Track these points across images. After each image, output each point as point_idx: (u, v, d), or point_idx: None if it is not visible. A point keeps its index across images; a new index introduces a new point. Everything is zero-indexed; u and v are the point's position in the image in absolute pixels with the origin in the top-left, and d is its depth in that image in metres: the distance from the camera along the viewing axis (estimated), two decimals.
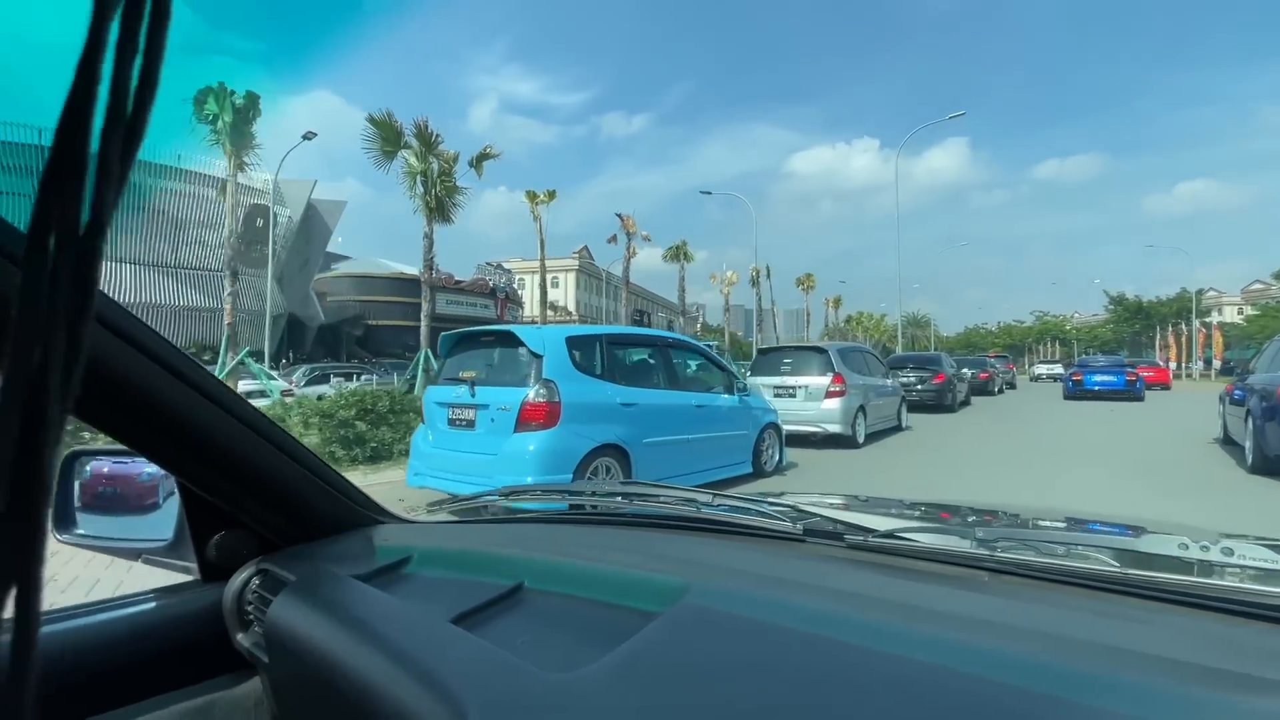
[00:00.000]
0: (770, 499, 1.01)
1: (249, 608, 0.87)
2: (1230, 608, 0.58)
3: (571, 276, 57.42)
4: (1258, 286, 65.26)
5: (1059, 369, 37.49)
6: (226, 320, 14.44)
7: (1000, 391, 21.61)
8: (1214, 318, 55.54)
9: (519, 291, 45.37)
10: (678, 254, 41.16)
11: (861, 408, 8.67)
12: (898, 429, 10.21)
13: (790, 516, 0.89)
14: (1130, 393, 17.16)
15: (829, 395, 8.36)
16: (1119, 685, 0.45)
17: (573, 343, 4.69)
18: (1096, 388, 17.43)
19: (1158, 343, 48.89)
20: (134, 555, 1.04)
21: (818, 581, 0.69)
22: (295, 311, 29.17)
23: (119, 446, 0.87)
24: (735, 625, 0.60)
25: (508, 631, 0.67)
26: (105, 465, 1.10)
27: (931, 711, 0.44)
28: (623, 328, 5.85)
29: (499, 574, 0.79)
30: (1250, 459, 6.14)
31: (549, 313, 54.04)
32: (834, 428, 8.30)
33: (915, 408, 12.51)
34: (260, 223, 24.24)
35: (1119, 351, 50.46)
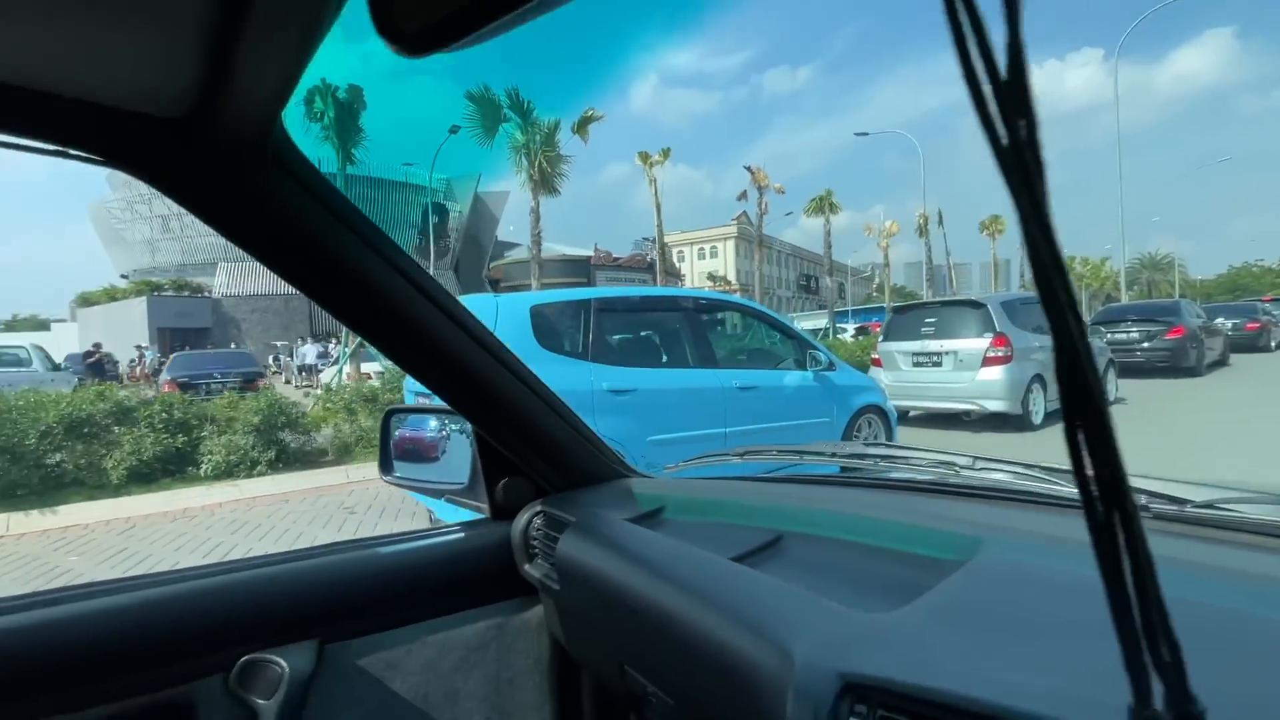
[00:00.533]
0: (1043, 465, 0.90)
1: (534, 543, 1.00)
2: None
3: (730, 244, 55.94)
4: None
5: None
6: None
7: (1277, 347, 16.22)
8: None
9: (678, 264, 45.45)
10: (821, 207, 37.32)
11: (1039, 377, 6.64)
12: None
13: (1069, 483, 0.77)
14: None
15: (988, 362, 6.47)
16: None
17: (539, 313, 3.68)
18: None
19: None
20: (439, 494, 1.22)
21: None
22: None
23: (423, 405, 1.35)
24: (1049, 580, 0.57)
25: (781, 576, 0.67)
26: (413, 421, 1.41)
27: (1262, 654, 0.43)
28: (621, 290, 4.92)
29: (755, 522, 0.84)
30: None
31: (708, 283, 53.40)
32: (996, 404, 6.52)
33: (1142, 371, 10.18)
34: (437, 219, 26.83)
35: None
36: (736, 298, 6.02)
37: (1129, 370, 9.74)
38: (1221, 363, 12.47)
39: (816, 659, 0.51)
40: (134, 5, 0.43)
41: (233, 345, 22.72)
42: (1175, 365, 10.49)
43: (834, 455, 1.14)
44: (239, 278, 28.62)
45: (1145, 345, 10.61)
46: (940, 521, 0.73)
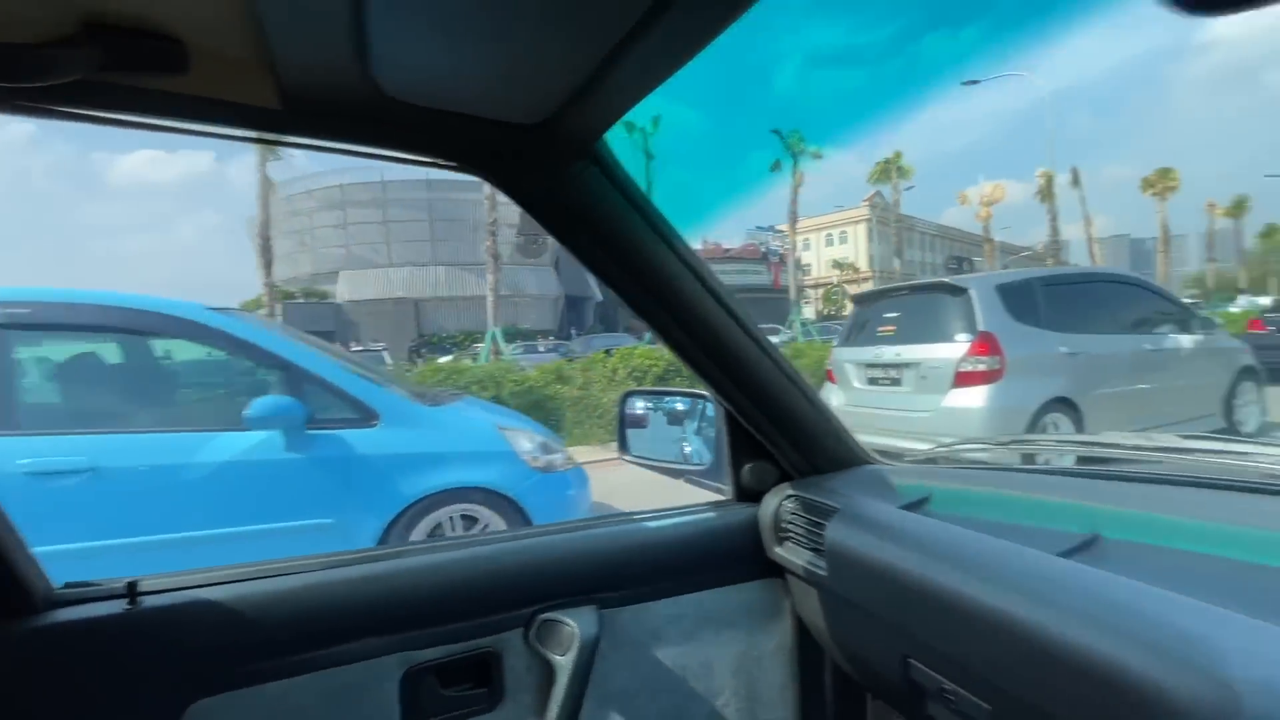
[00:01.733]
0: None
1: (787, 526, 1.00)
2: None
3: (861, 228, 50.66)
4: None
5: None
6: (490, 303, 16.30)
7: None
8: None
9: (802, 253, 41.79)
10: (886, 171, 30.78)
11: (1064, 402, 4.03)
12: None
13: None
14: None
15: (962, 379, 3.96)
16: None
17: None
18: None
19: None
20: (678, 475, 1.23)
21: None
22: (572, 292, 31.40)
23: (658, 389, 1.40)
24: None
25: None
26: (651, 402, 1.42)
27: None
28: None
29: (1053, 521, 0.76)
30: None
31: (835, 271, 48.49)
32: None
33: None
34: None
35: None
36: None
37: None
38: None
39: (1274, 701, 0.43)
40: (553, 20, 0.50)
41: (352, 344, 23.76)
42: None
43: (1119, 446, 0.98)
44: (357, 284, 30.66)
45: None
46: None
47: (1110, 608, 0.54)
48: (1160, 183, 32.65)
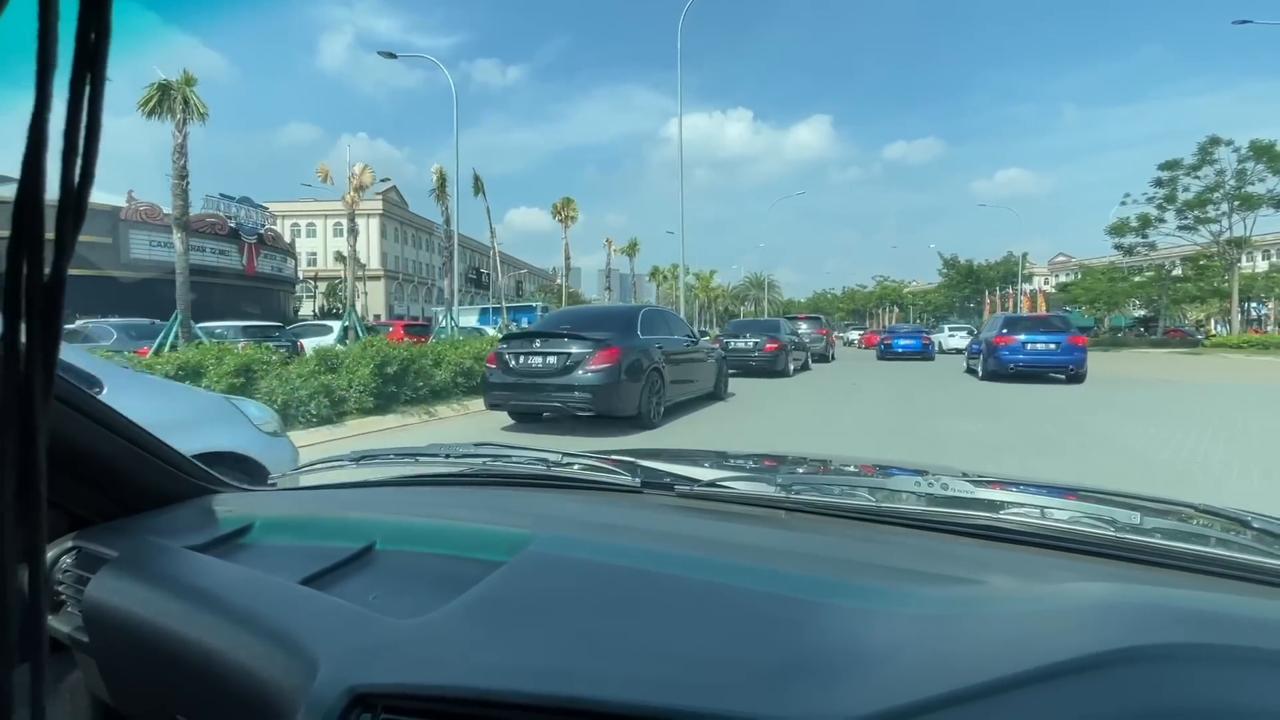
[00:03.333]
0: (614, 455, 1.10)
1: (60, 589, 0.84)
2: (937, 527, 0.78)
3: (375, 223, 47.29)
4: (1060, 259, 70.80)
5: (854, 335, 41.15)
6: None
7: (795, 372, 14.25)
8: (1035, 284, 57.61)
9: (284, 237, 35.21)
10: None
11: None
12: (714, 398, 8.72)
13: (631, 470, 1.00)
14: (925, 354, 20.62)
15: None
16: (852, 587, 0.63)
17: None
18: (901, 350, 20.43)
19: (986, 307, 49.20)
20: None
21: (651, 526, 0.80)
22: None
23: None
24: (572, 567, 0.68)
25: (359, 589, 0.69)
26: None
27: (724, 621, 0.56)
28: None
29: (349, 537, 0.80)
30: (981, 374, 12.46)
31: (339, 265, 43.99)
32: None
33: (752, 371, 12.76)
34: None
35: (949, 316, 51.14)
36: None
37: (746, 370, 12.53)
38: (806, 367, 15.57)
39: (335, 673, 0.53)
40: None
41: None
42: (771, 369, 12.89)
43: (448, 456, 1.16)
44: None
45: (755, 354, 12.97)
46: (510, 517, 0.82)
47: (285, 622, 0.61)
48: (564, 210, 36.85)
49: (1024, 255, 46.82)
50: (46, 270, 0.21)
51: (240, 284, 28.68)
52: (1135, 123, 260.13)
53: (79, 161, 0.21)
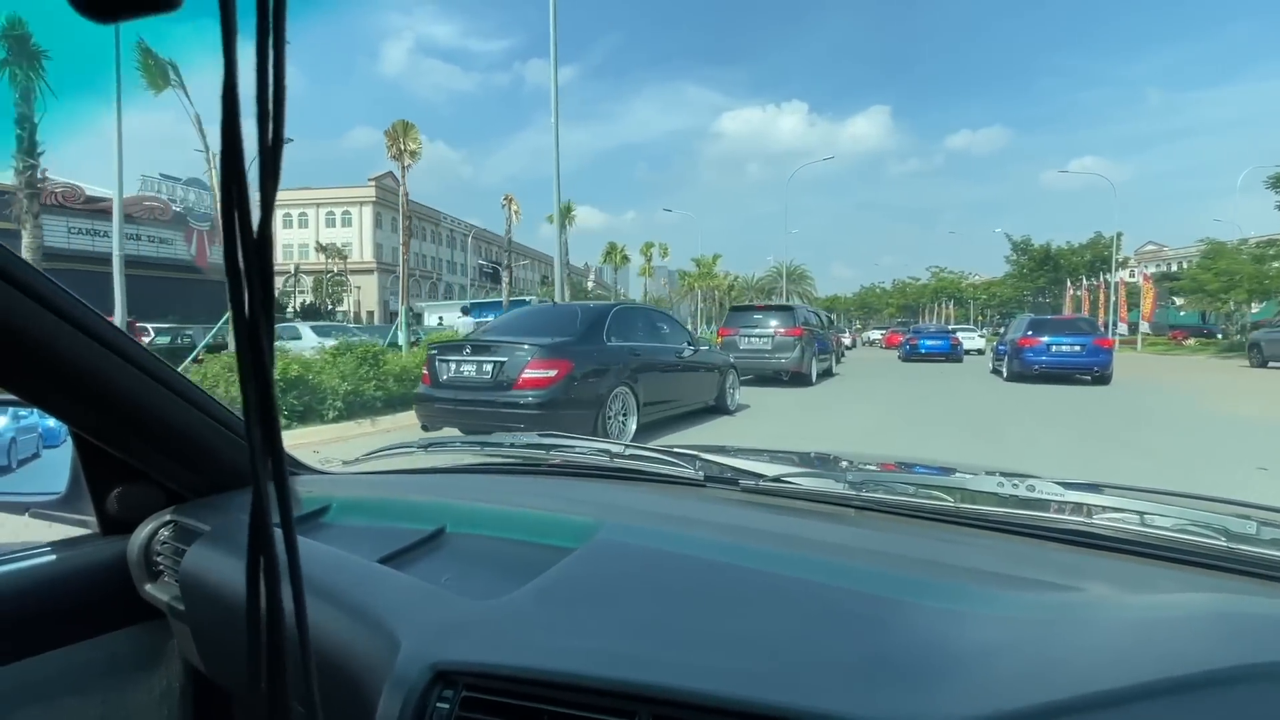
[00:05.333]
0: (676, 449, 1.08)
1: (158, 559, 0.87)
2: (1023, 531, 0.75)
3: (367, 211, 43.83)
4: (1150, 248, 61.69)
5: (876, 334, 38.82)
6: None
7: (819, 379, 12.02)
8: (1124, 273, 47.85)
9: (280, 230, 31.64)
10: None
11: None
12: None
13: (693, 464, 1.00)
14: (952, 355, 20.11)
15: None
16: (938, 586, 0.60)
17: None
18: (926, 351, 20.14)
19: (1067, 300, 38.94)
20: (20, 510, 1.00)
21: (719, 519, 0.80)
22: None
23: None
24: (644, 556, 0.69)
25: (432, 570, 0.71)
26: None
27: (804, 616, 0.55)
28: None
29: (420, 520, 0.83)
30: (1006, 375, 12.84)
31: (319, 256, 40.42)
32: None
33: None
34: None
35: (1018, 312, 43.89)
36: None
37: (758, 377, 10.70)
38: (829, 372, 13.58)
39: (417, 650, 0.55)
40: None
41: None
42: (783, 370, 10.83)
43: (512, 445, 1.19)
44: None
45: (767, 354, 10.92)
46: (577, 506, 0.83)
47: (368, 599, 0.63)
48: (565, 214, 35.58)
49: (1117, 236, 36.23)
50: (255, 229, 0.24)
51: (189, 278, 24.84)
52: (1223, 106, 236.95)
53: (270, 125, 0.22)
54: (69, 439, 0.90)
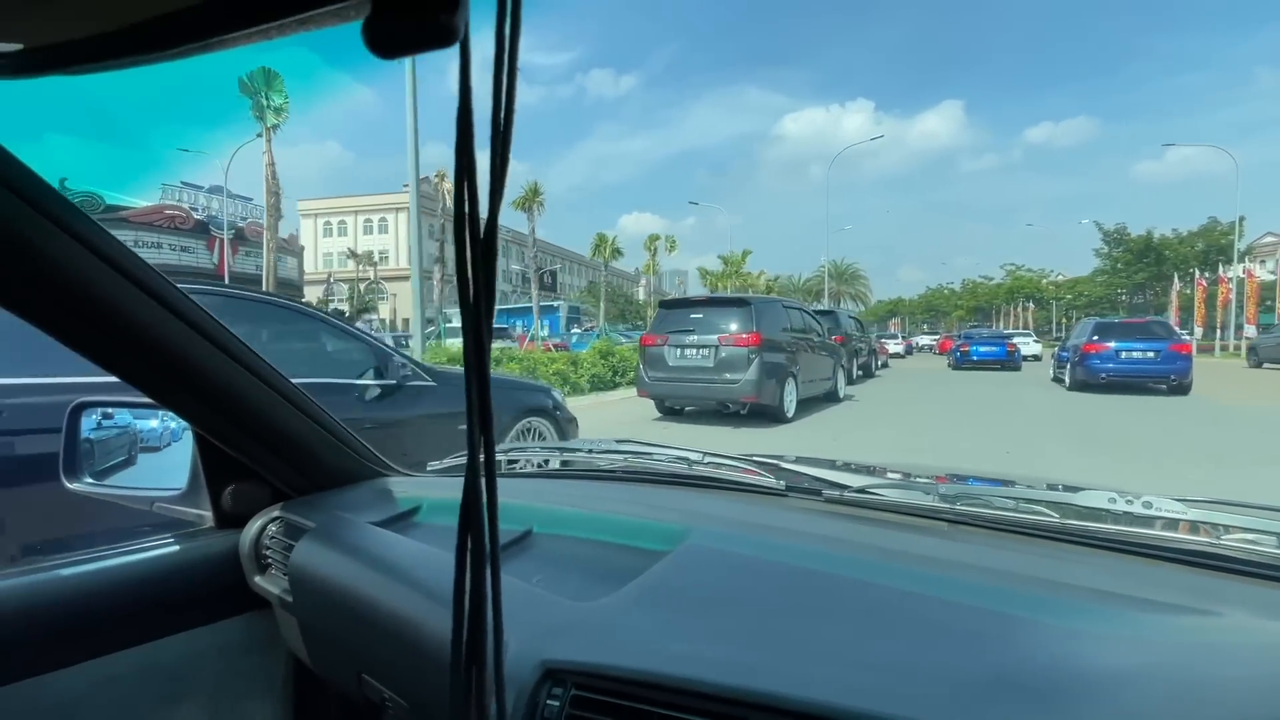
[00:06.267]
0: (755, 457, 1.08)
1: (267, 552, 0.92)
2: (1142, 551, 0.70)
3: (403, 217, 43.11)
4: (1268, 240, 53.78)
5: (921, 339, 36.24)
6: None
7: (745, 411, 7.74)
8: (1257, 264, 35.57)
9: (297, 236, 31.01)
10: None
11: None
12: None
13: (774, 473, 0.98)
14: (1009, 363, 18.37)
15: None
16: (1058, 604, 0.58)
17: None
18: (979, 358, 18.69)
19: (1173, 300, 32.97)
20: (146, 504, 1.06)
21: (806, 529, 0.78)
22: None
23: (125, 398, 1.10)
24: (737, 563, 0.68)
25: (523, 571, 0.72)
26: (113, 416, 1.14)
27: (912, 630, 0.53)
28: None
29: (508, 521, 0.82)
30: (1069, 384, 12.08)
31: (352, 264, 39.86)
32: None
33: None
34: None
35: (1111, 314, 38.44)
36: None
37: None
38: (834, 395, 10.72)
39: (525, 649, 0.56)
40: None
41: None
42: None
43: (591, 451, 1.20)
44: None
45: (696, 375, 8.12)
46: (661, 513, 0.82)
47: (431, 587, 0.65)
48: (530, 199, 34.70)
49: (1239, 221, 30.10)
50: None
51: (213, 287, 24.34)
52: None
53: (500, 145, 0.24)
54: (190, 438, 0.96)
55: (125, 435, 1.14)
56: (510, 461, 1.24)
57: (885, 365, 20.38)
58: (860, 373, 14.40)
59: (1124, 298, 44.22)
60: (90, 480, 1.08)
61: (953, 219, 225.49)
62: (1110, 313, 39.64)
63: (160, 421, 1.11)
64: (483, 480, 0.29)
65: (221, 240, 25.72)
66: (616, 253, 40.29)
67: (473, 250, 0.25)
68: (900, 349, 30.41)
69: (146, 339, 0.71)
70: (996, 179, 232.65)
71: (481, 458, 0.28)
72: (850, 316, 15.21)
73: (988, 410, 9.31)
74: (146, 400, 0.86)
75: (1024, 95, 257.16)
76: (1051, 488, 0.95)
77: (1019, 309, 55.45)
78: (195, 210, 25.80)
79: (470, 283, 0.25)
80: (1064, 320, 45.66)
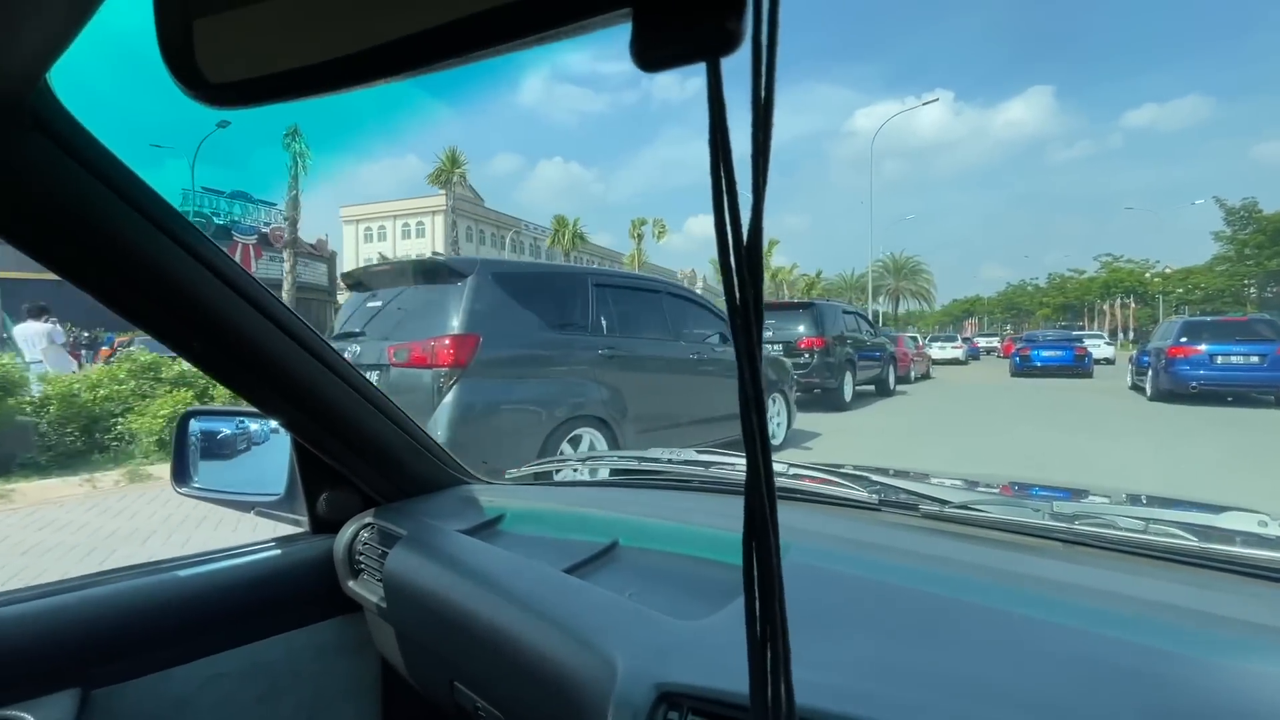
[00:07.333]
0: (844, 469, 1.03)
1: (360, 557, 0.94)
2: None
3: (439, 220, 42.17)
4: None
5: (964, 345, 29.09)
6: None
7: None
8: None
9: (322, 239, 30.29)
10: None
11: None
12: None
13: (865, 485, 0.93)
14: (1078, 368, 16.48)
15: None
16: (1222, 641, 0.52)
17: None
18: (1043, 364, 16.66)
19: None
20: (247, 508, 1.10)
21: (899, 545, 0.74)
22: None
23: (229, 407, 1.16)
24: (841, 581, 0.65)
25: (614, 584, 0.70)
26: (217, 424, 1.19)
27: (1045, 660, 0.49)
28: None
29: (593, 532, 0.84)
30: (1150, 393, 10.56)
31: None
32: None
33: None
34: None
35: (1235, 310, 32.69)
36: None
37: None
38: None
39: (637, 669, 0.55)
40: None
41: None
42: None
43: (670, 461, 1.18)
44: None
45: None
46: (739, 524, 0.81)
47: (570, 611, 0.63)
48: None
49: None
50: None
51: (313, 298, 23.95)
52: None
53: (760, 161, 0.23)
54: (289, 445, 0.99)
55: (229, 442, 1.18)
56: (591, 471, 1.24)
57: (926, 376, 16.98)
58: (870, 386, 10.97)
59: (1252, 290, 37.67)
60: (197, 485, 1.13)
61: (1042, 212, 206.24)
62: (1234, 309, 33.80)
63: (261, 428, 1.14)
64: (765, 502, 0.28)
65: (245, 246, 24.96)
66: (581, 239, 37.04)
67: (738, 265, 0.25)
68: (958, 353, 26.95)
69: (255, 351, 0.73)
70: (1091, 168, 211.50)
71: (763, 481, 0.27)
72: (848, 312, 10.55)
73: (1049, 430, 7.51)
74: (250, 409, 0.92)
75: (1122, 77, 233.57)
76: (1184, 506, 0.88)
77: (1116, 306, 49.21)
78: (216, 216, 25.09)
79: (738, 297, 0.25)
80: (1172, 313, 39.92)
